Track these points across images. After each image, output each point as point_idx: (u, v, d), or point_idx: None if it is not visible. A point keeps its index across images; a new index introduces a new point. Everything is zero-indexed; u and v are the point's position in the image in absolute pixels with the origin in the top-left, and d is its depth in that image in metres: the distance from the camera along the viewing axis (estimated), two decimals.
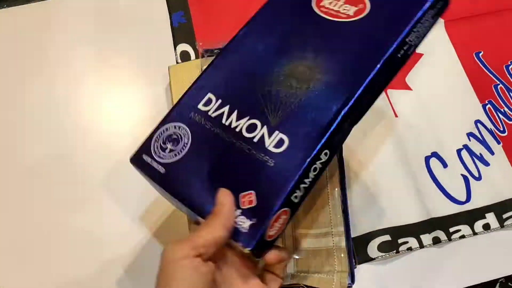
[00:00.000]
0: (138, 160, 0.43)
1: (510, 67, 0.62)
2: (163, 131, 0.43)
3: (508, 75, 0.61)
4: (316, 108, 0.39)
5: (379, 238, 0.52)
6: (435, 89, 0.60)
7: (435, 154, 0.57)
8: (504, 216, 0.53)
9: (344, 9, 0.43)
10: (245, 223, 0.37)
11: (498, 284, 0.52)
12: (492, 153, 0.57)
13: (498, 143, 0.57)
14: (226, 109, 0.42)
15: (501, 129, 0.58)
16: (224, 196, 0.37)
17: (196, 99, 0.44)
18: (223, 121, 0.41)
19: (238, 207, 0.37)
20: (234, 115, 0.41)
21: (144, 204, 0.55)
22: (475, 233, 0.53)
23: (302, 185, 0.38)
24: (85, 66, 0.64)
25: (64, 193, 0.56)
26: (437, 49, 0.63)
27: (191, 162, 0.41)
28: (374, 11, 0.42)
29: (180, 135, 0.43)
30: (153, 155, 0.42)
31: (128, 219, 0.55)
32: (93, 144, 0.59)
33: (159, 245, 0.53)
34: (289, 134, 0.39)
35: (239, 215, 0.37)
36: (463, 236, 0.53)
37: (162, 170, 0.41)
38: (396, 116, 0.59)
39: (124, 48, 0.65)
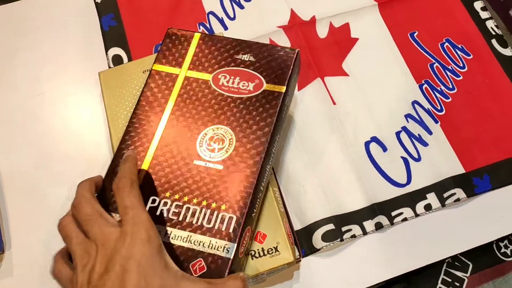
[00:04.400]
0: None
1: (445, 45, 0.62)
2: None
3: (443, 53, 0.61)
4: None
5: (322, 227, 0.51)
6: (371, 73, 0.60)
7: (374, 139, 0.57)
8: (445, 195, 0.54)
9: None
10: None
11: (445, 265, 0.53)
12: (430, 133, 0.57)
13: (436, 122, 0.57)
14: None
15: (439, 108, 0.58)
16: None
17: None
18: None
19: None
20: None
21: None
22: (417, 215, 0.53)
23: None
24: (17, 74, 0.62)
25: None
26: (372, 32, 0.63)
27: None
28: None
29: None
30: None
31: None
32: (29, 158, 0.57)
33: None
34: None
35: None
36: (405, 219, 0.53)
37: None
38: (334, 103, 0.58)
39: (55, 56, 0.63)
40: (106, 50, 0.62)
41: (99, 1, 0.65)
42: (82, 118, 0.60)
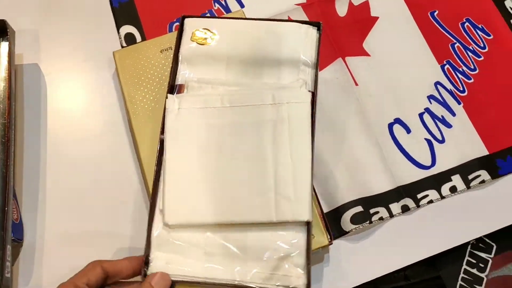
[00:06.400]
0: None
1: (465, 25, 0.61)
2: None
3: (464, 33, 0.61)
4: None
5: (351, 210, 0.51)
6: (393, 53, 0.59)
7: (398, 121, 0.56)
8: (470, 177, 0.53)
9: None
10: None
11: (469, 246, 0.53)
12: (453, 114, 0.56)
13: (459, 103, 0.57)
14: None
15: (461, 89, 0.58)
16: None
17: None
18: None
19: None
20: None
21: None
22: (442, 197, 0.53)
23: None
24: (24, 55, 0.59)
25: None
26: (392, 11, 0.61)
27: None
28: None
29: None
30: None
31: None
32: (45, 138, 0.55)
33: None
34: None
35: None
36: (431, 201, 0.52)
37: None
38: (356, 84, 0.57)
39: (64, 34, 0.60)
40: (118, 28, 0.60)
41: None
42: (95, 98, 0.57)
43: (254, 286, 0.41)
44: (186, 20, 0.51)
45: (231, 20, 0.51)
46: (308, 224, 0.43)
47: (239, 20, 0.51)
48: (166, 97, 0.48)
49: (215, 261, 0.42)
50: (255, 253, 0.42)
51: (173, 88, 0.49)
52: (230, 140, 0.46)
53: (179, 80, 0.49)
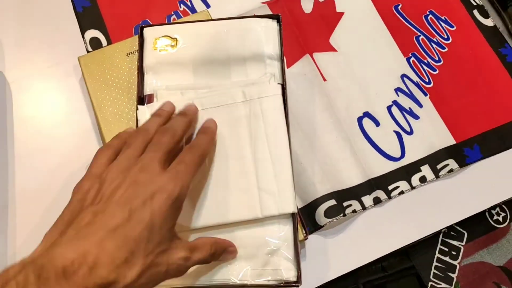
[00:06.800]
0: None
1: (429, 17, 0.62)
2: None
3: (428, 26, 0.62)
4: None
5: (324, 204, 0.51)
6: (359, 47, 0.60)
7: (367, 114, 0.56)
8: (438, 166, 0.54)
9: None
10: None
11: (441, 235, 0.54)
12: (420, 105, 0.57)
13: (425, 95, 0.58)
14: None
15: (427, 80, 0.59)
16: None
17: None
18: None
19: None
20: None
21: None
22: (413, 188, 0.53)
23: None
24: None
25: None
26: (356, 6, 0.62)
27: None
28: None
29: None
30: None
31: None
32: (13, 147, 0.54)
33: None
34: None
35: None
36: (402, 192, 0.53)
37: None
38: (325, 80, 0.58)
39: (28, 41, 0.59)
40: (82, 33, 0.59)
41: None
42: (63, 105, 0.57)
43: (246, 283, 0.42)
44: (145, 30, 0.51)
45: (191, 23, 0.51)
46: (293, 216, 0.43)
47: (199, 22, 0.51)
48: (137, 109, 0.47)
49: (206, 264, 0.42)
50: (244, 251, 0.43)
51: (143, 99, 0.49)
52: None
53: (148, 90, 0.49)
